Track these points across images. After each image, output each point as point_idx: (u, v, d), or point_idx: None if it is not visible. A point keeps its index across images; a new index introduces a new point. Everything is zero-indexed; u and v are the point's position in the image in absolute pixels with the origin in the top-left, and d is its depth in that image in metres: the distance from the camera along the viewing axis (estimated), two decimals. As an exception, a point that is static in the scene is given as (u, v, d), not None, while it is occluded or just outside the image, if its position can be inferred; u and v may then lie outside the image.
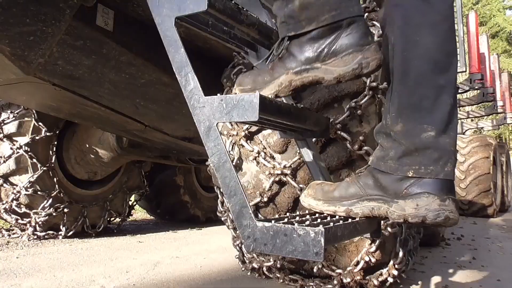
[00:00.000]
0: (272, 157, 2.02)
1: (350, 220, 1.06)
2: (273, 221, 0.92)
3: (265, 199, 2.01)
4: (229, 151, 2.12)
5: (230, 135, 2.12)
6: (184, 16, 1.13)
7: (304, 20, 1.11)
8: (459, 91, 5.83)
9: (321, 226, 0.87)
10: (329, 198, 1.21)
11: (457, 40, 5.31)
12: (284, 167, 1.96)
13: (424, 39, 1.08)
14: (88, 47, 2.26)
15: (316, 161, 1.50)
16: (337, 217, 1.13)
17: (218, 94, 1.06)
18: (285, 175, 1.95)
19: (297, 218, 1.06)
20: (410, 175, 1.08)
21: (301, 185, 1.91)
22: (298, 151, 1.87)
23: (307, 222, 0.96)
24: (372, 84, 1.82)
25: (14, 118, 3.31)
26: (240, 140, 2.10)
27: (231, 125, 2.13)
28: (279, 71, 1.18)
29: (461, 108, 7.46)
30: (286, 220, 0.99)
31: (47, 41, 2.04)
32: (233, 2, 1.29)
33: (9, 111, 3.32)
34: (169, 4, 1.13)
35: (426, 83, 1.07)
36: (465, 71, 5.61)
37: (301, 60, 1.14)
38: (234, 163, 2.11)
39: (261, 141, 2.06)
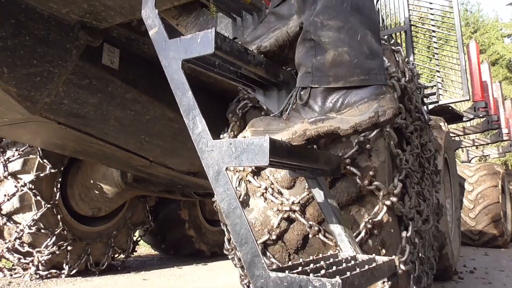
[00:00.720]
0: (280, 193, 1.98)
1: (366, 266, 1.01)
2: (287, 271, 0.88)
3: (274, 237, 1.95)
4: (236, 187, 2.08)
5: (236, 171, 2.09)
6: (191, 58, 1.12)
7: (332, 76, 1.11)
8: (464, 119, 5.82)
9: (337, 277, 0.82)
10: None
11: (459, 69, 5.35)
12: (293, 203, 1.91)
13: None
14: (94, 85, 2.27)
15: (327, 200, 1.46)
16: (352, 262, 1.08)
17: (226, 137, 1.04)
18: (294, 211, 1.90)
19: (311, 265, 1.01)
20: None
21: (310, 222, 1.86)
22: (307, 187, 1.83)
23: (322, 271, 0.92)
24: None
25: (19, 156, 3.30)
26: (247, 175, 2.06)
27: (237, 160, 2.10)
28: (294, 120, 1.17)
29: (466, 136, 7.43)
30: (300, 269, 0.95)
31: (53, 81, 2.05)
32: (239, 43, 1.28)
33: (14, 149, 3.31)
34: (176, 47, 1.12)
35: None
36: (469, 99, 5.60)
37: (316, 110, 1.14)
38: (240, 199, 2.07)
39: (268, 177, 2.02)
